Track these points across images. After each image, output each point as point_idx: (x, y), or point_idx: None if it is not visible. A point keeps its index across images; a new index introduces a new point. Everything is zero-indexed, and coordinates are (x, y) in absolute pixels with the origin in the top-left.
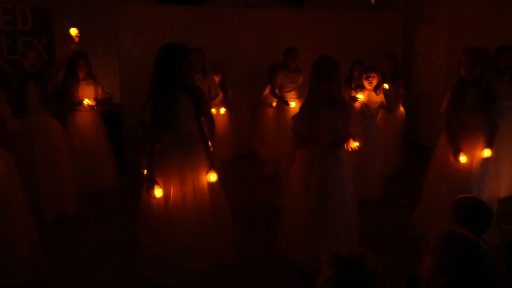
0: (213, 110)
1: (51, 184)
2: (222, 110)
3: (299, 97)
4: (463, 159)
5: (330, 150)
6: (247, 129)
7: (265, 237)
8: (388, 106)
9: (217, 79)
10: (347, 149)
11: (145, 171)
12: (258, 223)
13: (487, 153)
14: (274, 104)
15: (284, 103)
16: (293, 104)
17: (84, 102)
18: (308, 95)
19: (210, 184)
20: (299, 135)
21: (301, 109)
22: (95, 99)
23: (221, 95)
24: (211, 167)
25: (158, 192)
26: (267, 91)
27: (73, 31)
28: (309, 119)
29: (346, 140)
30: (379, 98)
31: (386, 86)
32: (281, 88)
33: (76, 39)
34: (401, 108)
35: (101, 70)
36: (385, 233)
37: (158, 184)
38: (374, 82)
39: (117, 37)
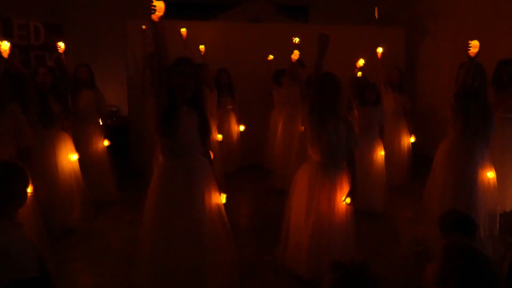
0: (219, 137)
1: (59, 195)
2: (242, 128)
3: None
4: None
5: (330, 164)
6: (254, 140)
7: (270, 248)
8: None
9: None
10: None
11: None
12: (264, 234)
13: (490, 174)
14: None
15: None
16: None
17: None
18: (314, 108)
19: (213, 206)
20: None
21: (309, 119)
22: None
23: (229, 100)
24: (217, 187)
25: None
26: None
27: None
28: (315, 129)
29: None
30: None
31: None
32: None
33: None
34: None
35: (109, 83)
36: (389, 245)
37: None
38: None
39: (125, 51)
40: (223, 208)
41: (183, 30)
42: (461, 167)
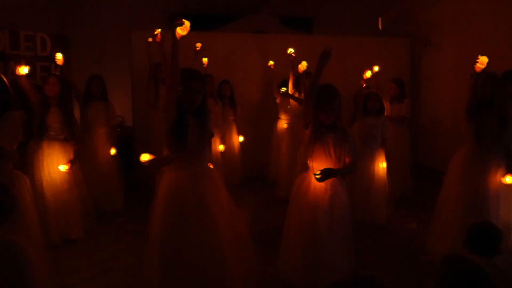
0: (221, 147)
1: (61, 206)
2: (241, 139)
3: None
4: (508, 179)
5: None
6: (257, 151)
7: (273, 261)
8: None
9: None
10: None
11: None
12: (267, 245)
13: (509, 179)
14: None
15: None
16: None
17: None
18: (312, 119)
19: (227, 214)
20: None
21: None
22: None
23: (231, 111)
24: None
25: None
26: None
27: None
28: (312, 141)
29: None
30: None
31: None
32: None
33: (60, 63)
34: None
35: (114, 93)
36: (394, 257)
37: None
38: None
39: (131, 62)
40: (237, 215)
41: (199, 44)
42: (474, 178)
